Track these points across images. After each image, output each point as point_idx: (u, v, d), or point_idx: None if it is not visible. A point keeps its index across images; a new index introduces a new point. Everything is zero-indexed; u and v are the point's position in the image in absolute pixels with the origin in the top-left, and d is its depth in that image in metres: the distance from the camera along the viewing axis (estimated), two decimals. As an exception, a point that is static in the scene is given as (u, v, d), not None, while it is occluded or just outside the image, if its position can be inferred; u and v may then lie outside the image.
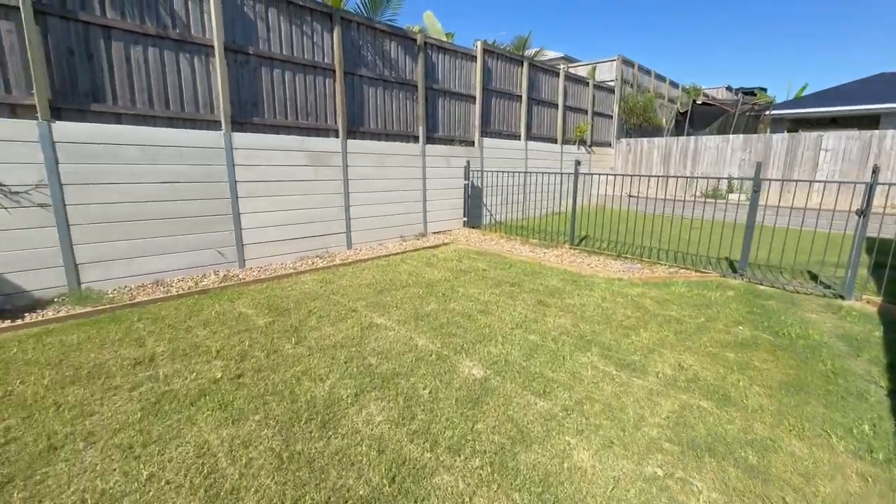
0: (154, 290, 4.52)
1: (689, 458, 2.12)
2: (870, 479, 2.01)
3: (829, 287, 4.76)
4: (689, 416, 2.46)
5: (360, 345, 3.31)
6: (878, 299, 4.36)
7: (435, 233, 8.04)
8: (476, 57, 8.33)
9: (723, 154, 11.65)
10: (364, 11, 6.50)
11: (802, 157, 10.48)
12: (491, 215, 9.11)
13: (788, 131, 13.44)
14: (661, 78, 15.32)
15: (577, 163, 6.82)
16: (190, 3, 4.79)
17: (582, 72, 13.28)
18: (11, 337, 3.36)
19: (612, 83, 12.95)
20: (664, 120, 14.20)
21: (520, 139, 9.78)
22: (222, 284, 4.73)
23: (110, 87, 4.38)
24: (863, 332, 3.67)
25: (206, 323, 3.69)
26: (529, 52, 9.54)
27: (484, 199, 8.93)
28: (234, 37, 5.14)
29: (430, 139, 7.71)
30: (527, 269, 5.68)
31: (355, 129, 6.54)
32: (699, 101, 13.65)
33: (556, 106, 10.80)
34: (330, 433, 2.25)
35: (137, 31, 4.46)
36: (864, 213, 4.32)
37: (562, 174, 7.96)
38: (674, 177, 7.55)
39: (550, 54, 16.43)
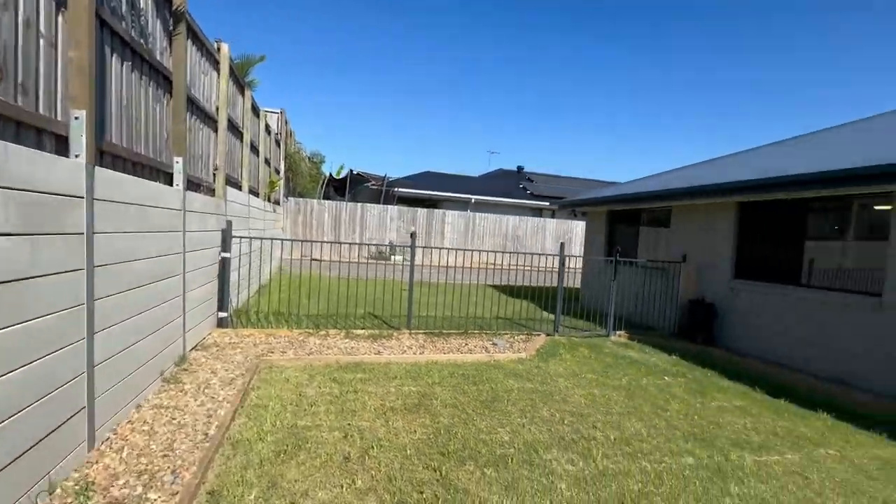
0: None
1: None
2: None
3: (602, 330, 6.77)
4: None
5: None
6: (625, 332, 6.70)
7: (193, 349, 4.35)
8: (220, 63, 5.39)
9: (384, 221, 13.27)
10: None
11: (434, 226, 13.79)
12: (231, 301, 5.94)
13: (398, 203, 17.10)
14: (297, 141, 15.39)
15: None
16: None
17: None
18: None
19: (278, 137, 11.73)
20: (319, 183, 14.31)
21: (242, 190, 7.02)
22: None
23: None
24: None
25: None
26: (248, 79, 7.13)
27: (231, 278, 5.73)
28: None
29: (189, 182, 4.20)
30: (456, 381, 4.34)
31: (101, 141, 2.65)
32: (356, 172, 14.82)
33: (258, 152, 8.58)
34: None
35: None
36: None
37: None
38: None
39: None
